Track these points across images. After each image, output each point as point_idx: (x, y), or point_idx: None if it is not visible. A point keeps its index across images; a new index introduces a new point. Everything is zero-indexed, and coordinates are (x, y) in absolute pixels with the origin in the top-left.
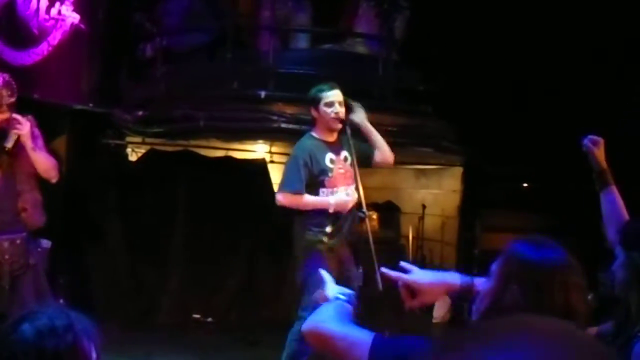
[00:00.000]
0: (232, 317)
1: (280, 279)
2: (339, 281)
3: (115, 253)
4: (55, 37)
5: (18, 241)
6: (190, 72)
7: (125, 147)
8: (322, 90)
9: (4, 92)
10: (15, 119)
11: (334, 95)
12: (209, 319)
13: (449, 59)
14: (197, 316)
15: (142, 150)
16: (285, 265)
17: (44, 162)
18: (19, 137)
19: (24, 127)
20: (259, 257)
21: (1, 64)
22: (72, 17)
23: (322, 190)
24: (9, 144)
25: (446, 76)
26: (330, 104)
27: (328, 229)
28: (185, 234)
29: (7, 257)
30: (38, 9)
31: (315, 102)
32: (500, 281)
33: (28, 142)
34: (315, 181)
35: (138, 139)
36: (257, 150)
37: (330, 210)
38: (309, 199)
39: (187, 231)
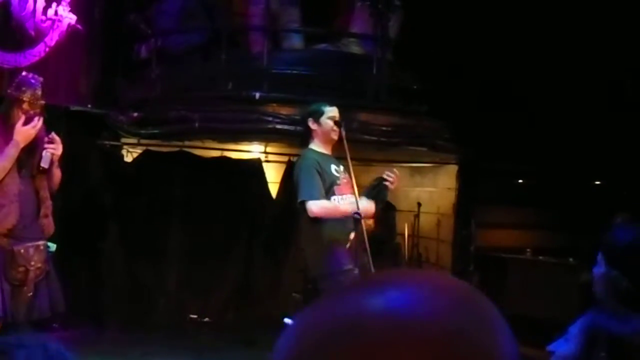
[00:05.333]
0: (229, 317)
1: (277, 279)
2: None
3: (111, 254)
4: (52, 38)
5: (41, 247)
6: (185, 73)
7: (120, 148)
8: (324, 105)
9: (39, 93)
10: (51, 138)
11: (335, 111)
12: (206, 319)
13: (443, 58)
14: (194, 316)
15: (137, 151)
16: (281, 265)
17: (58, 177)
18: (52, 155)
19: (59, 147)
20: (255, 257)
21: None
22: (68, 17)
23: (333, 197)
24: (46, 165)
25: (440, 75)
26: (331, 118)
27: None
28: (181, 235)
29: (32, 263)
30: (35, 9)
31: (318, 115)
32: (585, 348)
33: (57, 161)
34: (327, 190)
35: (133, 140)
36: (252, 150)
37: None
38: (344, 206)
39: (183, 232)
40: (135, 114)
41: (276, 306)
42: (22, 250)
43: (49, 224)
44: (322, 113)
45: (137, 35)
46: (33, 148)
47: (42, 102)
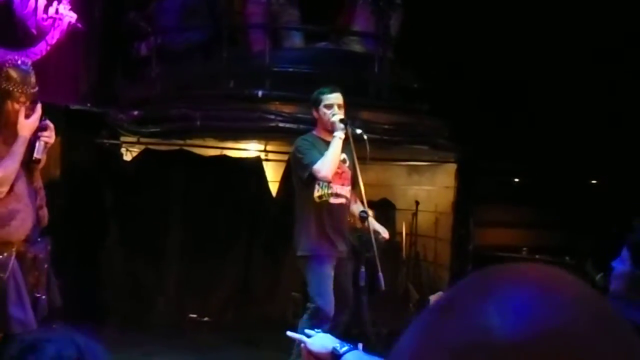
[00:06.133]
0: (228, 316)
1: (276, 278)
2: (337, 281)
3: (110, 253)
4: (53, 37)
5: (47, 245)
6: (185, 72)
7: (119, 146)
8: (323, 93)
9: (33, 79)
10: (44, 125)
11: (334, 97)
12: (206, 319)
13: (443, 56)
14: (194, 316)
15: (136, 150)
16: (281, 264)
17: (43, 163)
18: (45, 144)
19: (52, 135)
20: (254, 256)
21: None
22: (69, 16)
23: (320, 183)
24: (39, 155)
25: (440, 74)
26: (329, 106)
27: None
28: (180, 234)
29: (45, 265)
30: (36, 8)
31: (316, 103)
32: None
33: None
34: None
35: (133, 139)
36: (252, 148)
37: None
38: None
39: (182, 230)
40: (135, 112)
41: (276, 306)
42: (41, 255)
43: (44, 215)
44: (320, 102)
45: (137, 33)
46: (30, 139)
47: (36, 89)
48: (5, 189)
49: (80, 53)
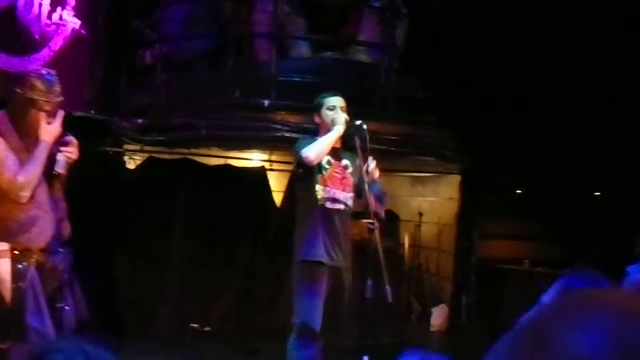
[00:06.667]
0: (230, 326)
1: (279, 288)
2: (330, 295)
3: (112, 261)
4: (56, 43)
5: (69, 258)
6: (191, 80)
7: (123, 155)
8: (325, 97)
9: (58, 89)
10: (67, 141)
11: (336, 100)
12: (207, 328)
13: (449, 67)
14: (195, 325)
15: (140, 159)
16: (283, 273)
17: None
18: (68, 159)
19: (76, 152)
20: (257, 266)
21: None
22: (73, 22)
23: (316, 186)
24: (61, 170)
25: (446, 85)
26: (331, 108)
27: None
28: (183, 243)
29: (66, 276)
30: (40, 14)
31: (319, 107)
32: None
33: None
34: (311, 174)
35: (136, 147)
36: (256, 158)
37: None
38: (327, 137)
39: (185, 240)
40: (140, 121)
41: (278, 316)
42: (60, 266)
43: (66, 227)
44: (322, 105)
45: (141, 42)
46: (51, 149)
47: (61, 99)
48: (28, 194)
49: (85, 60)
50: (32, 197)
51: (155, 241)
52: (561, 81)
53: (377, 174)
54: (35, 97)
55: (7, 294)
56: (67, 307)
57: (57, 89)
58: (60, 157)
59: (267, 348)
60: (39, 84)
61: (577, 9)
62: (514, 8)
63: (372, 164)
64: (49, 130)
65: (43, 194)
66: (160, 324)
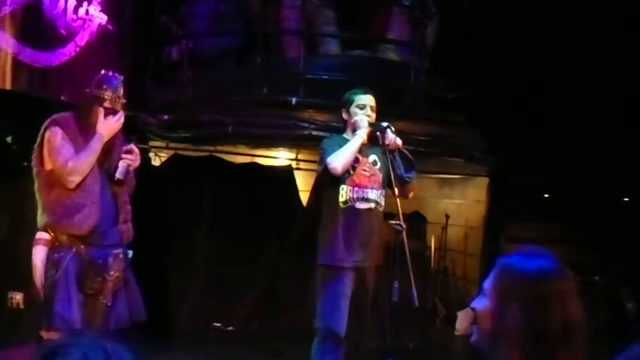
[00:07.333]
0: (253, 326)
1: (304, 288)
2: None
3: (135, 258)
4: (82, 38)
5: (120, 255)
6: (217, 77)
7: (148, 151)
8: (355, 93)
9: (121, 91)
10: (129, 149)
11: (367, 99)
12: (230, 328)
13: (480, 67)
14: (218, 324)
15: (164, 155)
16: (308, 274)
17: (133, 187)
18: (128, 166)
19: (137, 159)
20: (282, 266)
21: (23, 65)
22: (99, 17)
23: (342, 187)
24: (121, 176)
25: (476, 85)
26: (362, 107)
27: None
28: (207, 241)
29: (112, 273)
30: (66, 8)
31: (348, 104)
32: (498, 301)
33: (133, 172)
34: (337, 178)
35: (161, 143)
36: (283, 156)
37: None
38: (351, 143)
39: (209, 237)
40: (166, 117)
41: (302, 317)
42: (100, 261)
43: (128, 230)
44: (351, 102)
45: (168, 37)
46: (110, 148)
47: (124, 100)
48: (76, 179)
49: (110, 55)
50: (81, 185)
51: (179, 238)
52: (589, 82)
53: (399, 141)
54: (100, 95)
55: (38, 281)
56: (111, 303)
57: (120, 90)
58: (121, 164)
59: (290, 349)
60: (105, 84)
61: (612, 8)
62: (545, 6)
63: (390, 134)
64: (106, 124)
65: (95, 185)
66: (183, 322)
